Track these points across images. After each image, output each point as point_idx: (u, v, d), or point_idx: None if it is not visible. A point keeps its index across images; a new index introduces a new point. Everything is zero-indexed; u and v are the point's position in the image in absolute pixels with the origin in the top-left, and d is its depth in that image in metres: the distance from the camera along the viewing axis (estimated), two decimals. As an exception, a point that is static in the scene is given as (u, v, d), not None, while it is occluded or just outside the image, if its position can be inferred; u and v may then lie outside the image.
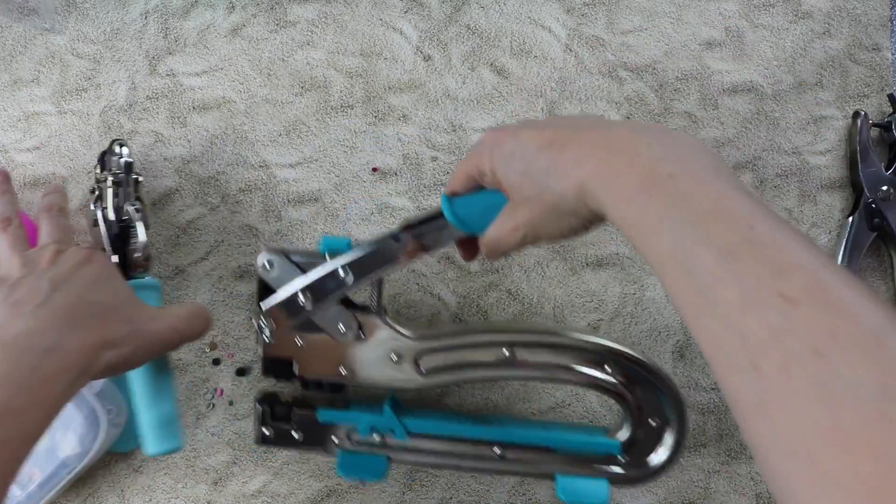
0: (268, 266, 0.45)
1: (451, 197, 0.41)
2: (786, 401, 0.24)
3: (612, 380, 0.45)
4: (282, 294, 0.45)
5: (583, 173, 0.33)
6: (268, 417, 0.47)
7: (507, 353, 0.45)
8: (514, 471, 0.47)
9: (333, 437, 0.47)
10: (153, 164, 0.52)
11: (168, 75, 0.53)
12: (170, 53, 0.53)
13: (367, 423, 0.47)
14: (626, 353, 0.45)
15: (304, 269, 0.45)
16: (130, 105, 0.53)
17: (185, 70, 0.53)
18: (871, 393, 0.22)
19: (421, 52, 0.54)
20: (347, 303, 0.45)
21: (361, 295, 0.47)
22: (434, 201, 0.52)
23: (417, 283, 0.52)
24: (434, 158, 0.53)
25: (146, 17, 0.53)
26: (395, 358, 0.45)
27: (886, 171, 0.52)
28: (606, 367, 0.45)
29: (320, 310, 0.45)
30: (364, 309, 0.46)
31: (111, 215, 0.46)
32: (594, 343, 0.45)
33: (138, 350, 0.39)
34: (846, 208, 0.53)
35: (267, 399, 0.48)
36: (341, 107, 0.53)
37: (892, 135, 0.52)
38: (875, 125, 0.53)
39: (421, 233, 0.42)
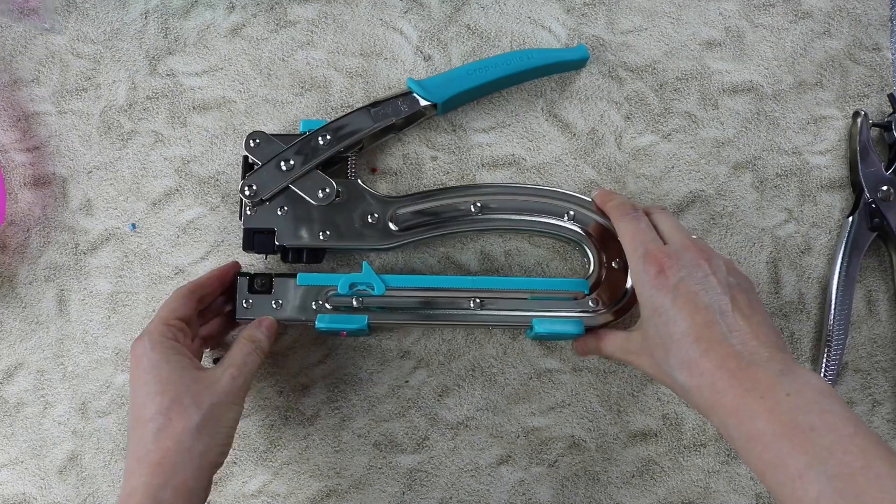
0: (252, 144, 0.49)
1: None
2: None
3: (574, 228, 0.50)
4: (265, 162, 0.49)
5: (717, 398, 0.36)
6: (245, 290, 0.49)
7: (478, 205, 0.49)
8: (492, 320, 0.49)
9: (312, 304, 0.48)
10: (152, 164, 0.52)
11: (168, 75, 0.53)
12: (170, 53, 0.53)
13: (346, 280, 0.48)
14: (586, 200, 0.50)
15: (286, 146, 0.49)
16: (130, 105, 0.53)
17: (185, 70, 0.53)
18: None
19: (421, 52, 0.54)
20: (325, 170, 0.49)
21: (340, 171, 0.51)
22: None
23: (417, 283, 0.52)
24: (434, 158, 0.53)
25: (146, 17, 0.53)
26: (371, 219, 0.49)
27: (886, 171, 0.52)
28: (567, 216, 0.50)
29: (300, 176, 0.49)
30: (341, 174, 0.50)
31: None
32: (555, 192, 0.50)
33: (220, 425, 0.42)
34: (846, 208, 0.53)
35: (246, 274, 0.49)
36: (341, 107, 0.53)
37: (893, 135, 0.52)
38: (875, 125, 0.53)
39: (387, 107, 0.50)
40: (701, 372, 0.37)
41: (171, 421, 0.40)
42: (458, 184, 0.52)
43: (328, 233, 0.49)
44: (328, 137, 0.49)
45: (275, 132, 0.50)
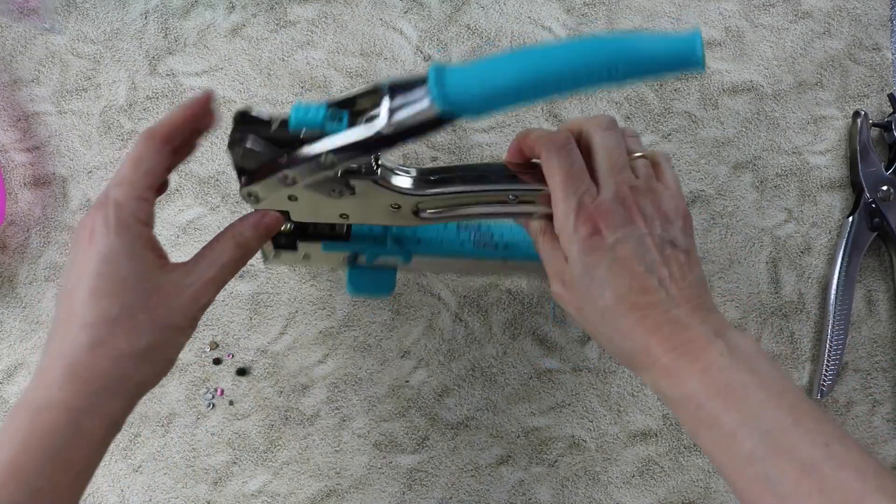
0: (238, 149, 0.38)
1: (443, 70, 0.34)
2: None
3: None
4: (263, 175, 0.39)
5: (651, 361, 0.36)
6: (271, 245, 0.46)
7: (511, 198, 0.42)
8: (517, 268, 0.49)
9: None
10: (153, 163, 0.52)
11: (168, 75, 0.53)
12: (170, 53, 0.53)
13: (372, 252, 0.47)
14: None
15: (277, 143, 0.38)
16: (130, 105, 0.53)
17: (186, 70, 0.53)
18: None
19: (421, 52, 0.54)
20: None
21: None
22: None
23: (417, 283, 0.52)
24: (434, 159, 0.53)
25: (146, 17, 0.53)
26: (393, 208, 0.43)
27: (886, 171, 0.52)
28: None
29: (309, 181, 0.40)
30: (357, 172, 0.40)
31: None
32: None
33: (167, 352, 0.35)
34: (846, 208, 0.53)
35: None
36: (341, 107, 0.53)
37: (893, 135, 0.52)
38: (875, 125, 0.53)
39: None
40: (635, 336, 0.36)
41: (114, 337, 0.33)
42: None
43: (346, 215, 0.43)
44: (332, 157, 0.37)
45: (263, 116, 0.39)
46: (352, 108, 0.37)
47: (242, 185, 0.41)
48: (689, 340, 0.35)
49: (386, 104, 0.35)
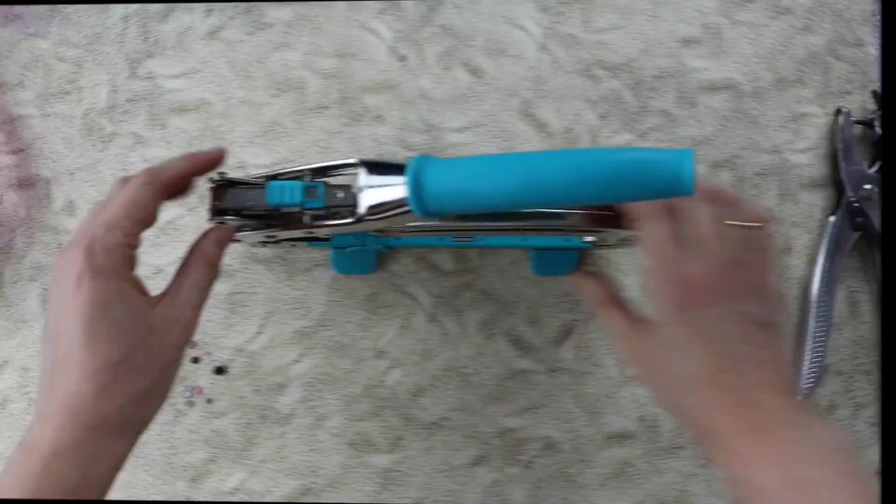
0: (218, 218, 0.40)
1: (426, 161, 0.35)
2: None
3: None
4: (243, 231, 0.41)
5: (722, 440, 0.35)
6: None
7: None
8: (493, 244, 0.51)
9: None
10: (133, 165, 0.53)
11: (147, 78, 0.54)
12: (149, 56, 0.54)
13: (355, 247, 0.48)
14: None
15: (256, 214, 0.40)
16: (111, 107, 0.54)
17: (165, 72, 0.54)
18: None
19: (396, 53, 0.54)
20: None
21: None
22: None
23: (392, 283, 0.52)
24: (409, 159, 0.53)
25: (126, 21, 0.54)
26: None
27: (869, 169, 0.51)
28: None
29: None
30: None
31: None
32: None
33: (165, 388, 0.36)
34: (828, 208, 0.52)
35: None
36: (317, 108, 0.53)
37: (876, 132, 0.51)
38: (858, 122, 0.52)
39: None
40: (709, 414, 0.36)
41: (118, 382, 0.33)
42: None
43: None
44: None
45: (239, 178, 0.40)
46: (326, 182, 0.39)
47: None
48: (766, 427, 0.34)
49: (365, 195, 0.36)
